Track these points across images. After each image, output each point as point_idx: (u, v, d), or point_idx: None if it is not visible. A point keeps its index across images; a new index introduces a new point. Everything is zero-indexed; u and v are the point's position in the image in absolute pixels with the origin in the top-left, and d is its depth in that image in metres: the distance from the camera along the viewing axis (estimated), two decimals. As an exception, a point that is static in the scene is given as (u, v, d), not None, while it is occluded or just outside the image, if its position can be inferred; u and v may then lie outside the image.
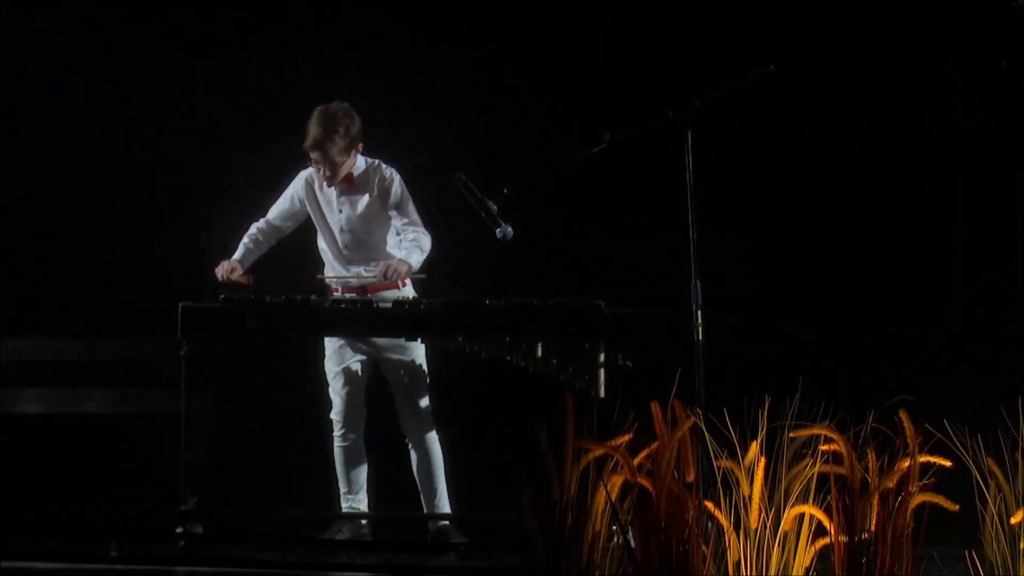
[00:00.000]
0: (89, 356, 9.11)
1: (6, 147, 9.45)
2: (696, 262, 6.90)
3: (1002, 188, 9.58)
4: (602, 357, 7.44)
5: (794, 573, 5.95)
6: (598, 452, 6.04)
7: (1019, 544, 6.05)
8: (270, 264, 8.07)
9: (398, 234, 7.87)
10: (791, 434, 5.96)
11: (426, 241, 7.83)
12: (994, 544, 6.07)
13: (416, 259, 7.77)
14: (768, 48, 8.84)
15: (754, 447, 5.96)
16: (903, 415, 5.93)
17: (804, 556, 5.98)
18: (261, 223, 7.98)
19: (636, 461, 6.00)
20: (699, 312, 6.91)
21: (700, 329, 6.90)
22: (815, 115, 9.49)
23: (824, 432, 5.94)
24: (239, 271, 7.83)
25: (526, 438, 6.14)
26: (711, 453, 5.98)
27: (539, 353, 7.47)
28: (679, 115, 6.95)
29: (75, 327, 9.19)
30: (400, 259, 7.75)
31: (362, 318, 7.54)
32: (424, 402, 7.81)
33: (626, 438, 6.07)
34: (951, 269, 9.69)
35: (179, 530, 7.40)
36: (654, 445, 5.99)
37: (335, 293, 7.86)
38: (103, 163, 9.44)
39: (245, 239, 7.96)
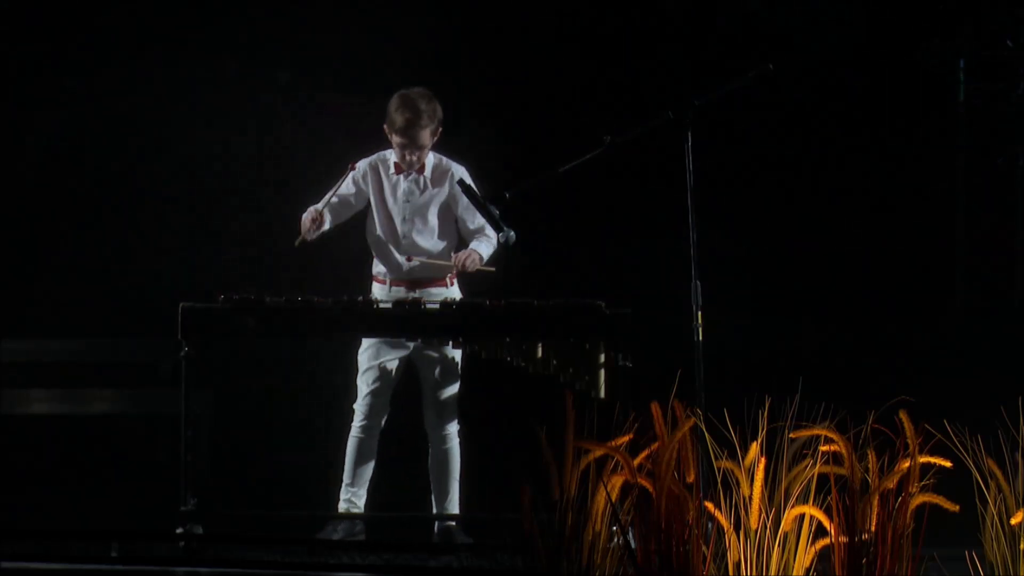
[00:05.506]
0: (89, 356, 9.12)
1: (7, 148, 9.45)
2: (696, 262, 6.88)
3: (1002, 188, 9.59)
4: (602, 357, 7.43)
5: (794, 574, 5.95)
6: (598, 452, 6.03)
7: (1019, 545, 6.04)
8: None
9: (466, 233, 7.81)
10: (791, 435, 5.95)
11: (493, 237, 7.73)
12: (994, 545, 6.07)
13: (487, 250, 7.74)
14: (768, 48, 8.85)
15: (754, 448, 5.95)
16: (903, 415, 5.92)
17: (804, 557, 5.97)
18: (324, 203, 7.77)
19: (636, 462, 6.00)
20: (699, 312, 6.89)
21: (700, 329, 6.88)
22: (815, 115, 9.49)
23: (824, 432, 5.93)
24: (323, 223, 7.66)
25: (526, 438, 6.13)
26: (711, 454, 5.98)
27: (539, 353, 7.46)
28: (679, 115, 6.94)
29: (76, 327, 9.19)
30: (472, 248, 7.73)
31: (361, 319, 7.52)
32: (451, 400, 7.77)
33: (626, 438, 6.06)
34: (951, 269, 9.70)
35: (179, 530, 7.39)
36: (654, 446, 5.98)
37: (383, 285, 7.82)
38: (103, 163, 9.44)
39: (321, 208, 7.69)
